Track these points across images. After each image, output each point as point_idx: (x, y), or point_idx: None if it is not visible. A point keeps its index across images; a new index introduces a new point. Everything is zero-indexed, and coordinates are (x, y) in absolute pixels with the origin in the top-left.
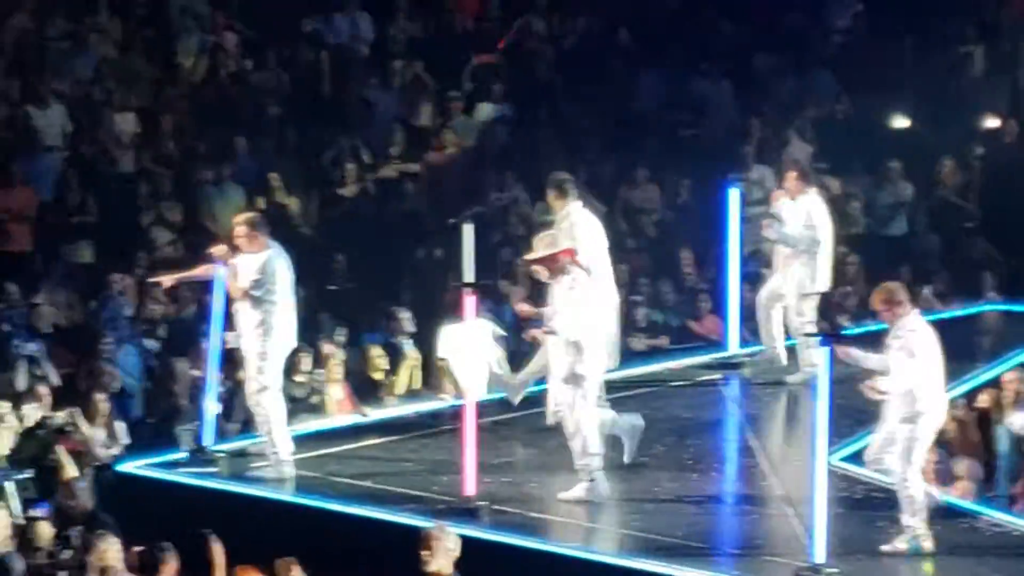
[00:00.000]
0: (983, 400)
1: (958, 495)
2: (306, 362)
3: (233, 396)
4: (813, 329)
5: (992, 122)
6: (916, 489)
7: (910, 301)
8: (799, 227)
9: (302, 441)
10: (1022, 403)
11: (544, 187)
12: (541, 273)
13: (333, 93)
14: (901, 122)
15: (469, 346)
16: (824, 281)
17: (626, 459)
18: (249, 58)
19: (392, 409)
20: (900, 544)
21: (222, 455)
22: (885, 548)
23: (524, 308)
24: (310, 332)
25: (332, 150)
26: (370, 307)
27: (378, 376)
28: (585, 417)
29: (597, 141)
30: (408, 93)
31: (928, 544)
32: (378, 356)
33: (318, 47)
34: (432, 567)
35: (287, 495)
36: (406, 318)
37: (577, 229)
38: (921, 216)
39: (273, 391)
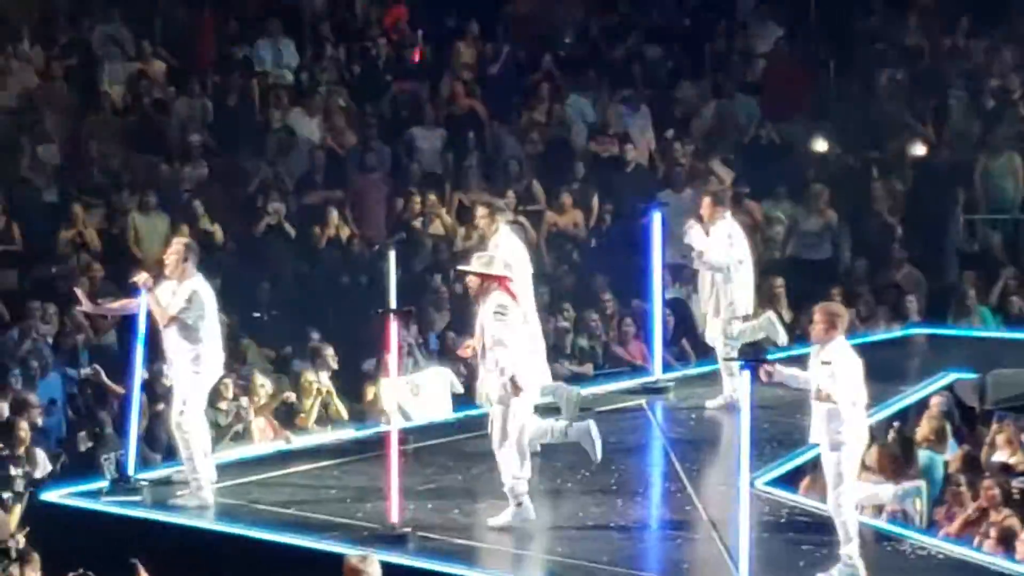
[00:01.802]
0: (924, 430)
1: (884, 518)
2: (230, 390)
3: (156, 424)
4: (734, 354)
5: (919, 149)
6: (850, 517)
7: (844, 328)
8: (721, 252)
9: (226, 468)
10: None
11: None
12: (471, 284)
13: (257, 120)
14: (823, 146)
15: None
16: (747, 305)
17: (596, 457)
18: (173, 85)
19: (316, 436)
20: (835, 574)
21: (145, 483)
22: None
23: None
24: (235, 360)
25: (256, 177)
26: (294, 334)
27: (315, 400)
28: (514, 442)
29: (523, 166)
30: (331, 119)
31: (862, 574)
32: (310, 381)
33: (243, 74)
34: None
35: (210, 523)
36: (330, 354)
37: (506, 255)
38: (845, 240)
39: (195, 418)
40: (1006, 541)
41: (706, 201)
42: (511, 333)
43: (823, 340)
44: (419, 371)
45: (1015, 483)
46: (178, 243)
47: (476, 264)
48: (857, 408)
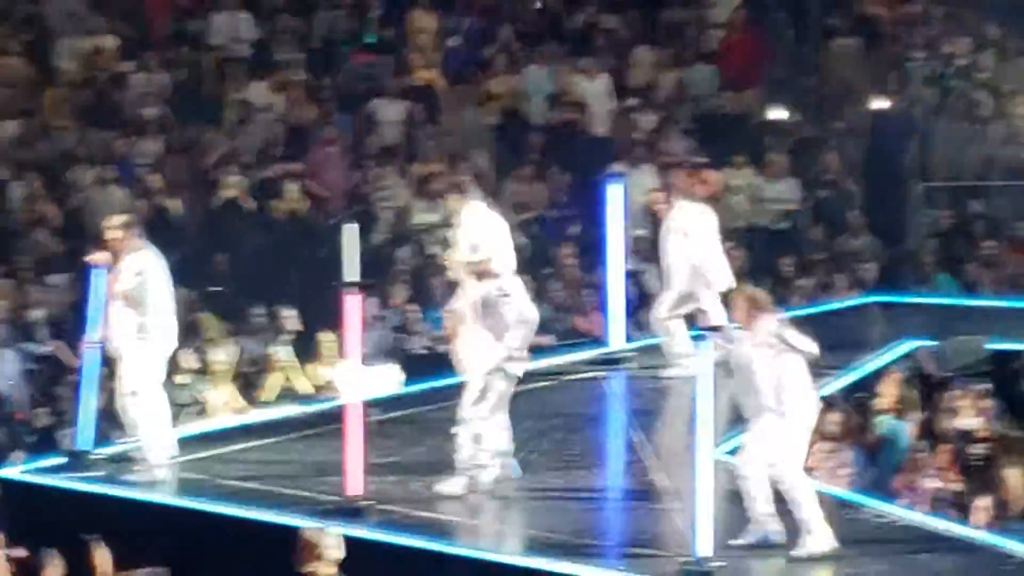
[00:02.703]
0: (887, 398)
1: (843, 485)
2: (188, 363)
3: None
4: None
5: (880, 103)
6: (800, 486)
7: (769, 307)
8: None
9: (186, 443)
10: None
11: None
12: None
13: (214, 94)
14: (781, 114)
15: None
16: (727, 279)
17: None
18: (129, 60)
19: (277, 409)
20: (802, 549)
21: (102, 459)
22: (793, 553)
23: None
24: (192, 334)
25: (213, 150)
26: (252, 308)
27: (279, 375)
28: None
29: (480, 138)
30: (289, 92)
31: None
32: (271, 354)
33: (199, 48)
34: (310, 569)
35: (171, 498)
36: (290, 316)
37: (478, 231)
38: (805, 209)
39: (146, 394)
40: (958, 507)
41: (655, 197)
42: (501, 318)
43: (748, 323)
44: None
45: (973, 449)
46: (112, 225)
47: (460, 257)
48: (797, 378)
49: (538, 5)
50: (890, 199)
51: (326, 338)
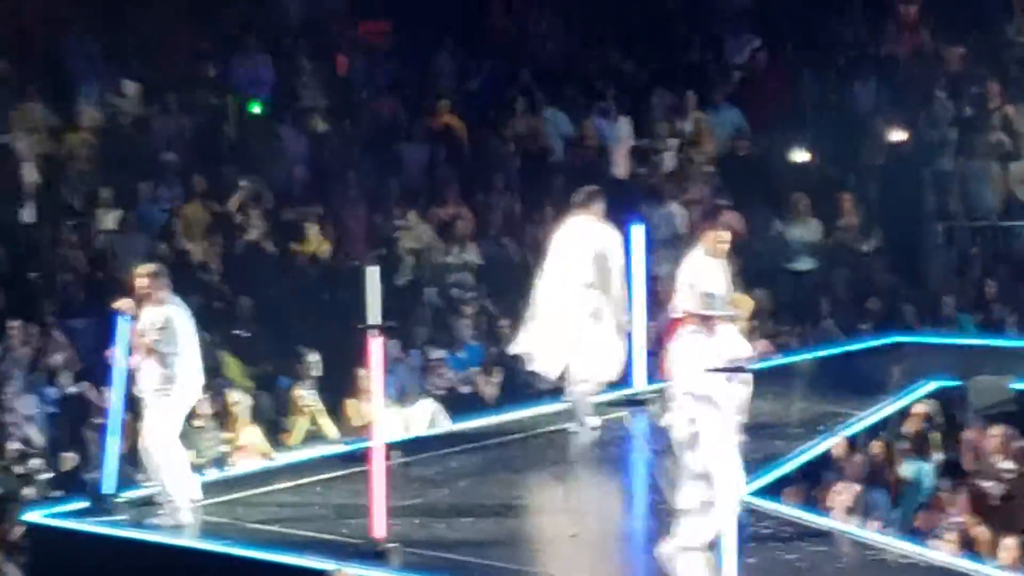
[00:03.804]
0: (911, 438)
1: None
2: (211, 408)
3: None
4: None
5: (898, 135)
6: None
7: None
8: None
9: (209, 487)
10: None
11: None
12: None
13: (235, 137)
14: (802, 156)
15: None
16: None
17: None
18: (150, 104)
19: (300, 452)
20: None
21: (126, 503)
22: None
23: None
24: (213, 377)
25: (235, 194)
26: (276, 351)
27: (304, 419)
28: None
29: (502, 180)
30: (312, 135)
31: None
32: (299, 397)
33: (220, 91)
34: None
35: (194, 541)
36: (314, 361)
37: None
38: (825, 249)
39: (169, 439)
40: (970, 546)
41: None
42: None
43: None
44: (410, 406)
45: (996, 489)
46: (142, 272)
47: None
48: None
49: (551, 46)
50: (911, 239)
51: (365, 374)
